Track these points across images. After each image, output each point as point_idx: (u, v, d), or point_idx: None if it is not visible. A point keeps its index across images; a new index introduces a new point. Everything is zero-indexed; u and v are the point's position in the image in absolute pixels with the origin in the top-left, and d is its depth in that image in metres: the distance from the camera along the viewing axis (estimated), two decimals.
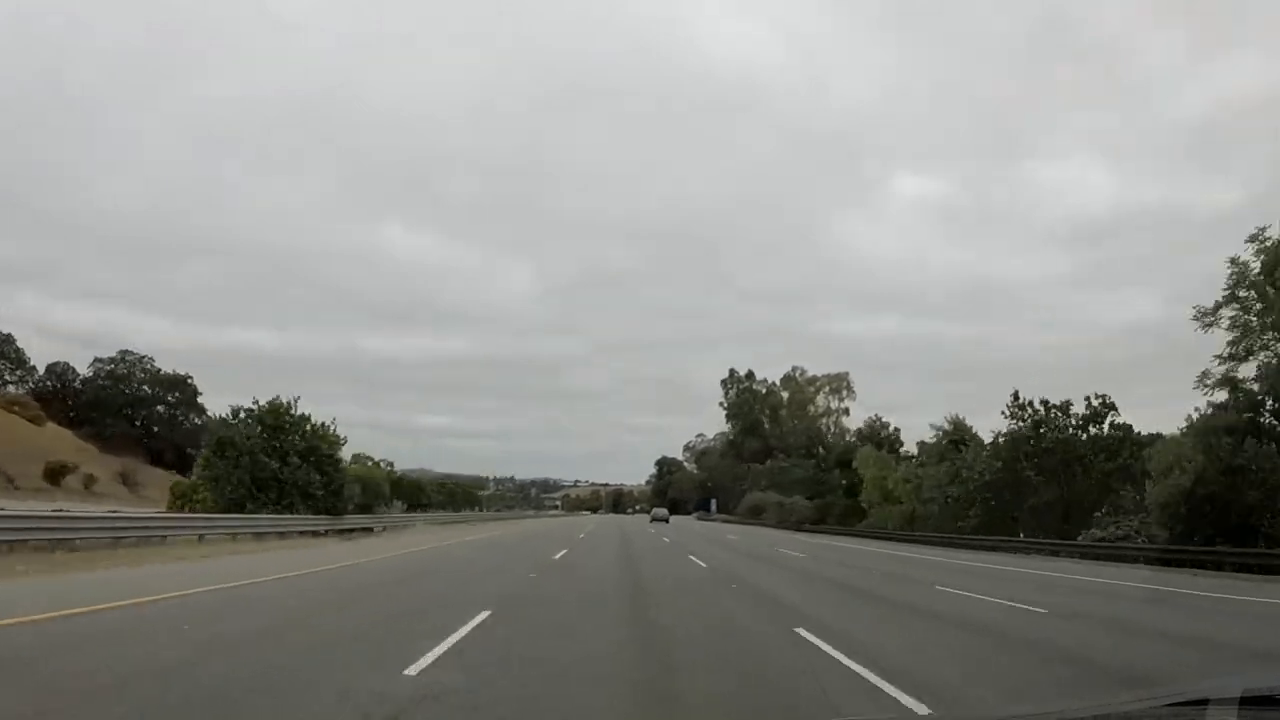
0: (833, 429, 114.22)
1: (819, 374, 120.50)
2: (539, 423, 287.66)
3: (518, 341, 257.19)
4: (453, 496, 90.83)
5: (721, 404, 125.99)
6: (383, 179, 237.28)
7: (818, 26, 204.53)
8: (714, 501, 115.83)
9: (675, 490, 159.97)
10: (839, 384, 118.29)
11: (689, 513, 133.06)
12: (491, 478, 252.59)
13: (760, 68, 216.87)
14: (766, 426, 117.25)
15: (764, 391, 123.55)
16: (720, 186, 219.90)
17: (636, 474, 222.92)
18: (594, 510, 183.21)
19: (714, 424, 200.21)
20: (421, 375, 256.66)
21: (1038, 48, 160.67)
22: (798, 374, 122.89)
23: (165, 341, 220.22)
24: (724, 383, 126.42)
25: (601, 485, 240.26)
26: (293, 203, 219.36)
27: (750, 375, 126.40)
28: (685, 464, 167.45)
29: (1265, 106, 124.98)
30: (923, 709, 5.75)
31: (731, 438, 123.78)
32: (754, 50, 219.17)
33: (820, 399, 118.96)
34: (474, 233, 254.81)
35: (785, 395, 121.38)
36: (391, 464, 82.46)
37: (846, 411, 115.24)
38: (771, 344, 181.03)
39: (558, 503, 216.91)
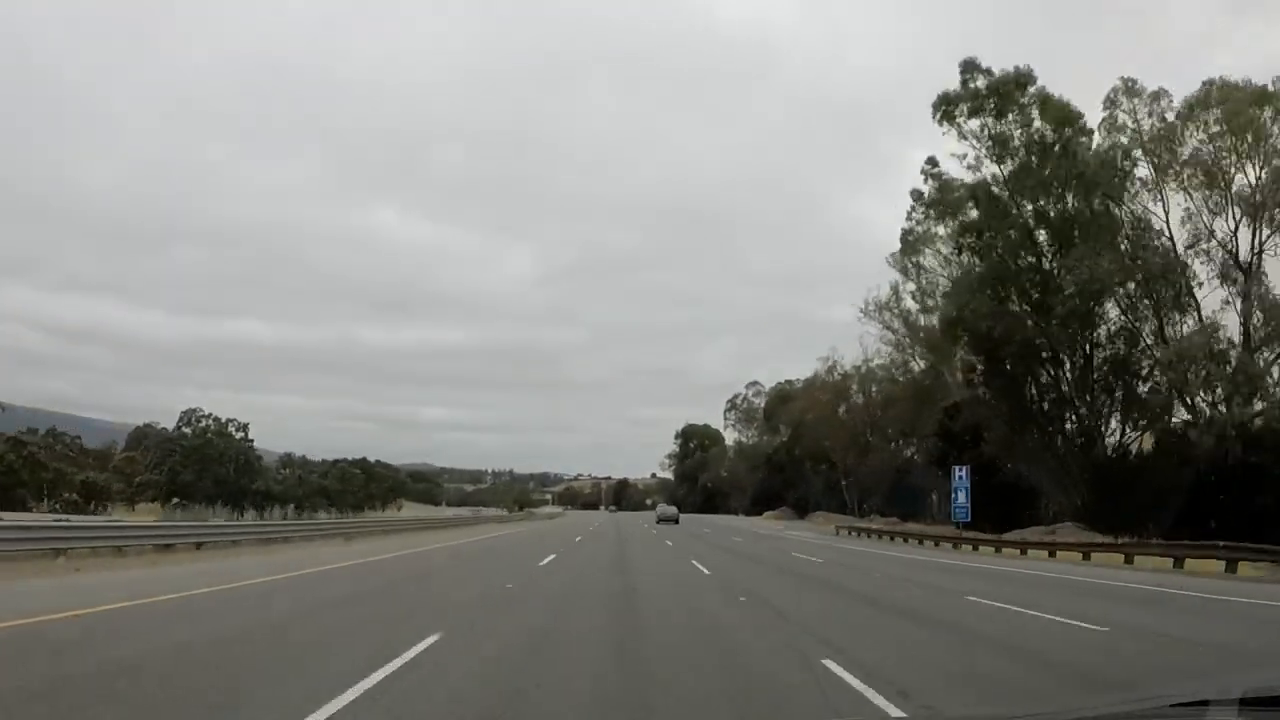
0: None
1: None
2: (540, 416, 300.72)
3: (517, 330, 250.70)
4: (346, 482, 67.63)
5: (919, 196, 43.11)
6: (374, 158, 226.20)
7: None
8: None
9: (710, 476, 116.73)
10: None
11: (731, 510, 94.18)
12: (490, 471, 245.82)
13: (774, 30, 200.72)
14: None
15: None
16: (728, 162, 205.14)
17: (638, 468, 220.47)
18: (591, 506, 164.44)
19: (763, 371, 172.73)
20: (421, 367, 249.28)
21: (1059, 12, 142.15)
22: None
23: (161, 333, 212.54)
24: (942, 108, 39.03)
25: (603, 478, 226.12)
26: (283, 187, 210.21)
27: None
28: (727, 431, 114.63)
29: None
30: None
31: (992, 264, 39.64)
32: (767, 13, 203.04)
33: None
34: (469, 215, 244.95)
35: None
36: (245, 426, 65.26)
37: None
38: (778, 332, 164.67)
39: (549, 498, 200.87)
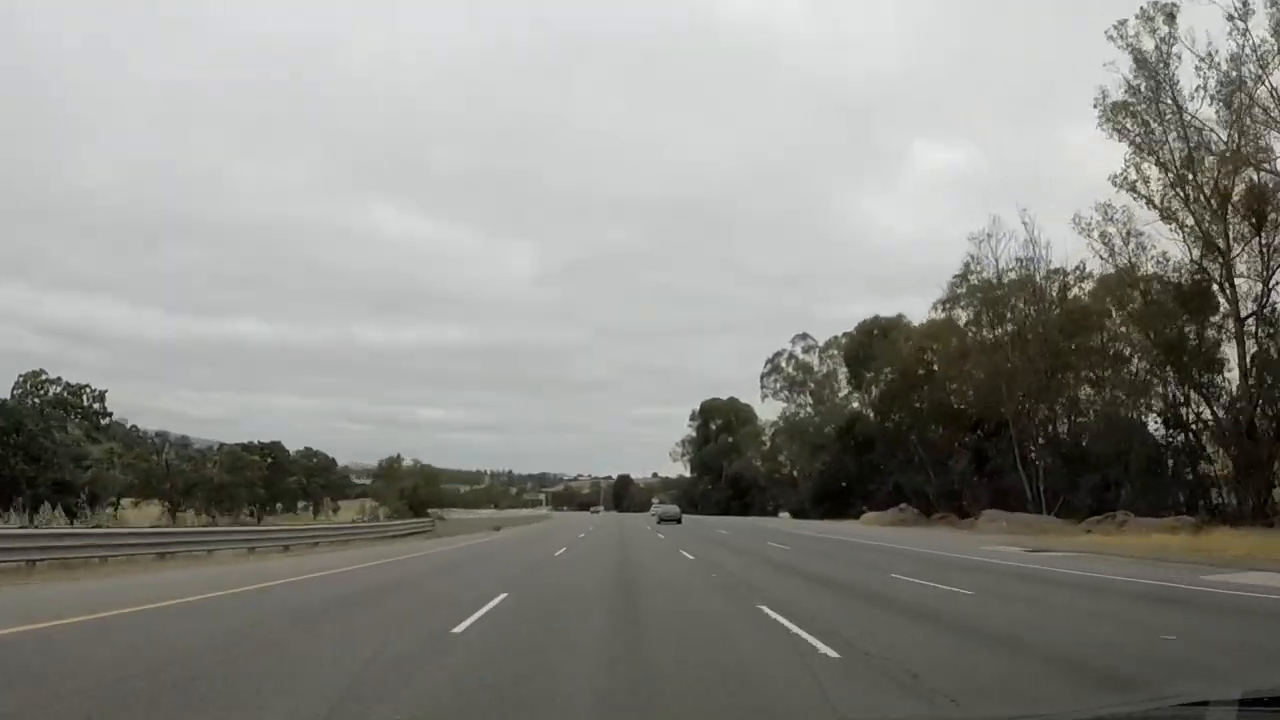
0: None
1: None
2: (539, 416, 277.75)
3: (517, 330, 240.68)
4: (237, 474, 45.61)
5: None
6: (373, 157, 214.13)
7: None
8: None
9: (741, 465, 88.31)
10: None
11: (768, 510, 73.07)
12: (488, 471, 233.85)
13: (775, 29, 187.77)
14: None
15: None
16: (729, 161, 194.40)
17: (639, 468, 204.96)
18: (588, 508, 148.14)
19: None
20: (420, 367, 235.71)
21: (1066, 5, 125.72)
22: None
23: (159, 332, 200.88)
24: None
25: (603, 478, 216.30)
26: (283, 187, 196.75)
27: None
28: (765, 404, 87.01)
29: None
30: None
31: None
32: (769, 13, 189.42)
33: None
34: (469, 214, 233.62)
35: None
36: (101, 394, 54.54)
37: None
38: (779, 332, 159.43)
39: (542, 498, 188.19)
